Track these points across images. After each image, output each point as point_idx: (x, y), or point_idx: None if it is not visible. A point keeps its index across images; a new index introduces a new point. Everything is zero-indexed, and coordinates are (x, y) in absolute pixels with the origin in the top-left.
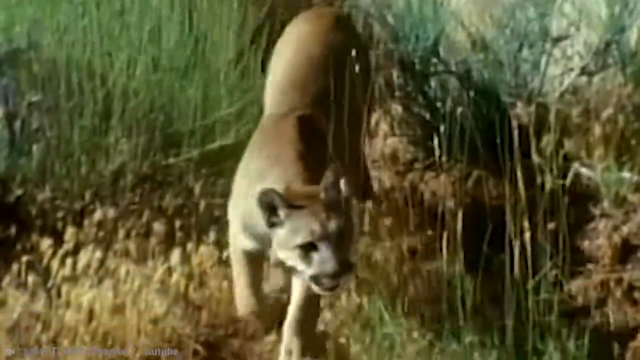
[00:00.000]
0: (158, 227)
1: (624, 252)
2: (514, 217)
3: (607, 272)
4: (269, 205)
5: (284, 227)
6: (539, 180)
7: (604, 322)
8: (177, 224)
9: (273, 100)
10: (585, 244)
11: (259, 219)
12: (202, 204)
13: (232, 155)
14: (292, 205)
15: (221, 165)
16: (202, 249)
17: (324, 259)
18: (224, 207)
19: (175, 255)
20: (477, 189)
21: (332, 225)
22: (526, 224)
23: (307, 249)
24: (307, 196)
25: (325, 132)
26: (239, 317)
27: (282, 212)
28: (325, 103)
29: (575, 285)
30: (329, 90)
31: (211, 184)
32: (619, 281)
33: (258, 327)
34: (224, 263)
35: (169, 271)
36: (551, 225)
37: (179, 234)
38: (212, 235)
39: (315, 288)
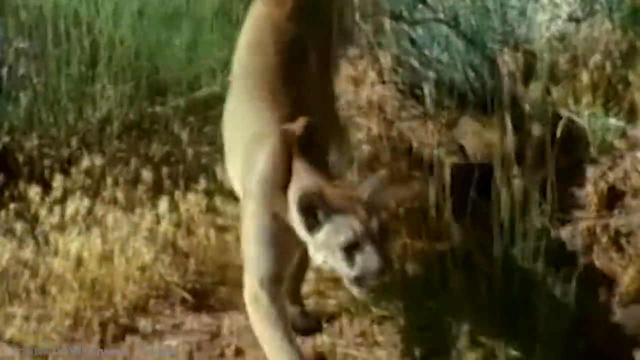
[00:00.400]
0: (146, 174)
1: (611, 199)
2: (502, 164)
3: (593, 218)
4: (308, 209)
5: (323, 229)
6: (527, 127)
7: (590, 269)
8: (165, 171)
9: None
10: (572, 191)
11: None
12: (190, 152)
13: (218, 103)
14: (331, 206)
15: (208, 113)
16: (190, 196)
17: (367, 258)
18: (211, 154)
19: (164, 203)
20: (465, 136)
21: (374, 223)
22: (514, 171)
23: (350, 249)
24: (344, 196)
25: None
26: (226, 264)
27: (321, 214)
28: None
29: (562, 232)
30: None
31: (198, 131)
32: (605, 228)
33: None
34: (212, 211)
35: (157, 219)
36: (539, 173)
37: (167, 182)
38: (201, 183)
39: (356, 290)
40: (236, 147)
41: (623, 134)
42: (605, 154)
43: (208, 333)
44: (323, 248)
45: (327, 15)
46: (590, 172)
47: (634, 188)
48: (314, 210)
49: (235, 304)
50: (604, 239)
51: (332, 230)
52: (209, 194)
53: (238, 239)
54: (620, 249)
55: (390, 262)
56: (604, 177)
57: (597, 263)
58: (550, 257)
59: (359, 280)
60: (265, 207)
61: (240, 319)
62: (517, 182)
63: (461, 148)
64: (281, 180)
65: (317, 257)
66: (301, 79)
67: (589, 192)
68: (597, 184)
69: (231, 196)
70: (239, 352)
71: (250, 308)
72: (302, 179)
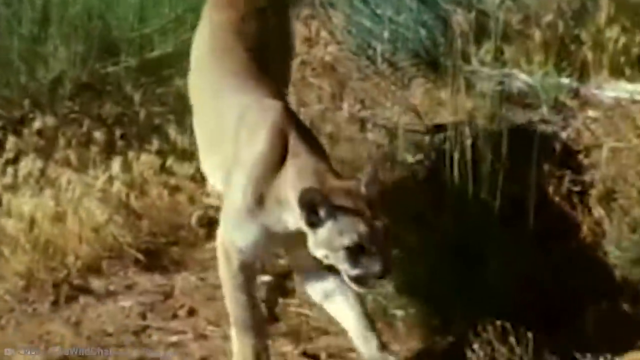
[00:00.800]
0: (98, 135)
1: (563, 157)
2: (455, 123)
3: (546, 176)
4: (310, 205)
5: (325, 226)
6: (479, 86)
7: (544, 226)
8: (118, 132)
9: None
10: (524, 150)
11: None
12: (143, 113)
13: (171, 63)
14: (334, 204)
15: (160, 74)
16: (144, 157)
17: (371, 260)
18: (164, 115)
19: (116, 163)
20: (418, 96)
21: (379, 225)
22: (467, 130)
23: (354, 250)
24: (347, 193)
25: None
26: (179, 225)
27: (323, 212)
28: None
29: (515, 190)
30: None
31: (151, 92)
32: (558, 186)
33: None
34: (165, 171)
35: (110, 180)
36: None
37: (119, 143)
38: (154, 144)
39: (355, 286)
40: (217, 138)
41: (575, 93)
42: (557, 113)
43: (161, 293)
44: (324, 245)
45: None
46: (543, 131)
47: (586, 147)
48: (315, 208)
49: (187, 264)
50: (557, 197)
51: (336, 230)
52: (162, 154)
53: (191, 200)
54: (573, 206)
55: (391, 264)
56: (557, 136)
57: (550, 220)
58: (504, 215)
59: (359, 280)
60: (255, 186)
61: (193, 279)
62: (468, 141)
63: (414, 107)
64: (277, 156)
65: (317, 252)
66: (272, 69)
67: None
68: (550, 142)
69: (184, 157)
70: (191, 311)
71: (221, 265)
72: (301, 161)
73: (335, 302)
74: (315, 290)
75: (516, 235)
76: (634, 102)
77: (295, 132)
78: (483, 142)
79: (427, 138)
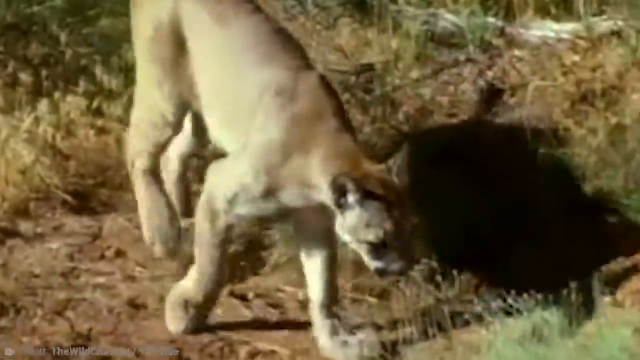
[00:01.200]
0: (24, 76)
1: (489, 97)
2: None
3: (472, 116)
4: (341, 189)
5: (353, 212)
6: (405, 26)
7: (472, 167)
8: (44, 73)
9: None
10: (452, 89)
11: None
12: (69, 53)
13: (97, 3)
14: (366, 191)
15: (86, 14)
16: (70, 98)
17: (393, 257)
18: (90, 56)
19: (43, 105)
20: (345, 36)
21: (406, 223)
22: (394, 70)
23: (378, 245)
24: (380, 182)
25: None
26: (107, 166)
27: (353, 198)
28: None
29: (443, 131)
30: None
31: (77, 32)
32: (485, 125)
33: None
34: (93, 112)
35: (37, 121)
36: (415, 73)
37: (46, 84)
38: (81, 85)
39: (377, 275)
40: (239, 106)
41: (501, 32)
42: (483, 52)
43: (89, 235)
44: (350, 232)
45: None
46: (469, 70)
47: (512, 86)
48: (346, 193)
49: (115, 206)
50: (484, 137)
51: (363, 221)
52: (89, 95)
53: (118, 141)
54: (498, 146)
55: (412, 261)
56: (483, 75)
57: (481, 162)
58: (426, 155)
59: (380, 272)
60: (272, 166)
61: (121, 221)
62: (395, 80)
63: (341, 47)
64: (305, 135)
65: (343, 236)
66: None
67: (467, 90)
68: (476, 82)
69: (111, 97)
70: (119, 253)
71: (203, 222)
72: (335, 141)
73: (311, 263)
74: (300, 245)
75: (445, 177)
76: (560, 40)
77: (329, 107)
78: (409, 81)
79: (353, 78)
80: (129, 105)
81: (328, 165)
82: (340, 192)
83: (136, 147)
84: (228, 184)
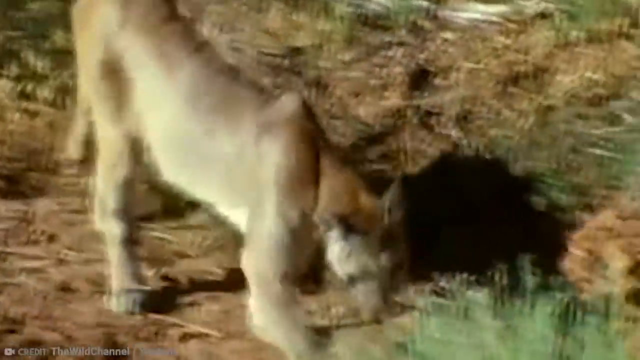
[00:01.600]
0: None
1: (420, 79)
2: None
3: (403, 99)
4: (327, 224)
5: (337, 244)
6: (336, 9)
7: (399, 148)
8: None
9: None
10: (382, 71)
11: None
12: None
13: None
14: (350, 226)
15: None
16: (0, 82)
17: (368, 293)
18: (20, 40)
19: None
20: (275, 19)
21: (386, 261)
22: (324, 53)
23: (357, 278)
24: (368, 216)
25: None
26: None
27: (336, 233)
28: None
29: (370, 113)
30: None
31: (6, 16)
32: (415, 108)
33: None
34: (22, 96)
35: None
36: (347, 56)
37: None
38: (11, 70)
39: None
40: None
41: (431, 15)
42: (414, 35)
43: (19, 219)
44: (334, 261)
45: None
46: (400, 52)
47: (443, 68)
48: (332, 228)
49: (46, 190)
50: (414, 119)
51: (345, 253)
52: (19, 79)
53: (48, 125)
54: (430, 129)
55: (390, 301)
56: (414, 58)
57: (407, 143)
58: (360, 137)
59: (359, 306)
60: (291, 202)
61: (51, 204)
62: (326, 63)
63: (271, 33)
64: (309, 172)
65: (332, 267)
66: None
67: (398, 73)
68: (407, 65)
69: (42, 82)
70: (51, 237)
71: (260, 297)
72: (333, 179)
73: None
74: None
75: (373, 158)
76: (489, 23)
77: (323, 147)
78: (340, 64)
79: (284, 61)
80: (58, 88)
81: (321, 203)
82: (326, 226)
83: (108, 204)
84: (259, 248)
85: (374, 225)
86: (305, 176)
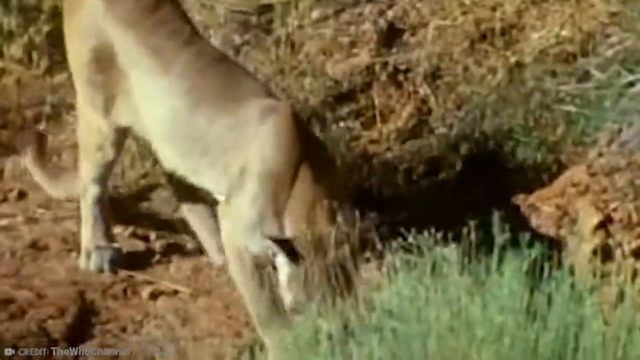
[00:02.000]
0: None
1: (389, 36)
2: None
3: (372, 56)
4: (272, 248)
5: (281, 270)
6: None
7: (369, 106)
8: None
9: None
10: (352, 28)
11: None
12: None
13: None
14: (292, 253)
15: None
16: None
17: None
18: None
19: None
20: None
21: (312, 296)
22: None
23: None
24: (316, 243)
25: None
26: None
27: (281, 257)
28: None
29: (340, 70)
30: None
31: None
32: (384, 65)
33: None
34: None
35: None
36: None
37: None
38: None
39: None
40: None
41: None
42: None
43: None
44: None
45: None
46: (369, 10)
47: (412, 25)
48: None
49: (16, 148)
50: (383, 77)
51: (284, 272)
52: None
53: (18, 82)
54: (398, 85)
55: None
56: (383, 15)
57: (376, 100)
58: (329, 94)
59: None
60: (266, 200)
61: (23, 163)
62: (296, 20)
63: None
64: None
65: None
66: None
67: (368, 30)
68: (377, 22)
69: (10, 38)
70: (21, 194)
71: (235, 269)
72: (302, 192)
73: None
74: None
75: (344, 116)
76: None
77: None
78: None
79: (254, 18)
80: (28, 46)
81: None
82: (272, 251)
83: (86, 175)
84: (236, 225)
85: (315, 253)
86: (285, 178)
